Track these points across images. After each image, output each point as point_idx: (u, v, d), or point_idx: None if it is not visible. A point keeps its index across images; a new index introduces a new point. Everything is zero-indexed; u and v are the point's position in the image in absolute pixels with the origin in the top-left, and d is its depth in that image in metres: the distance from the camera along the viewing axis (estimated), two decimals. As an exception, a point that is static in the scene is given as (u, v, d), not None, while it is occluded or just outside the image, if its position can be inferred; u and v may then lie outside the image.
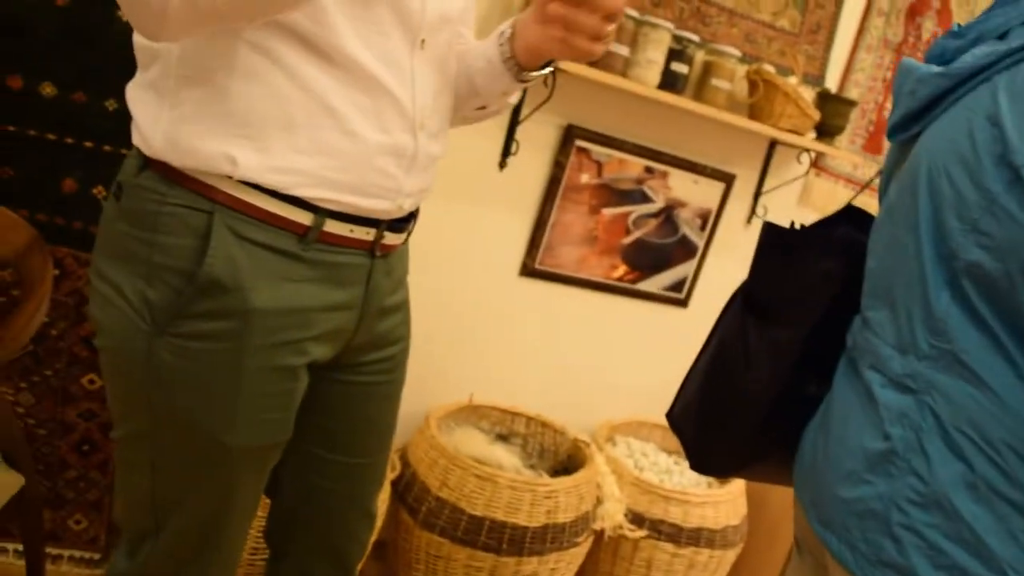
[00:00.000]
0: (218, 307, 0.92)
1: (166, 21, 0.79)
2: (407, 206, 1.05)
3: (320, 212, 0.95)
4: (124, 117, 1.56)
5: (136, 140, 0.96)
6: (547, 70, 1.10)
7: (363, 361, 1.14)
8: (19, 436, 1.48)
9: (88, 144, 1.61)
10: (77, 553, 1.86)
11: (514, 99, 1.20)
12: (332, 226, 0.97)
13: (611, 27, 0.95)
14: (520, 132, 2.03)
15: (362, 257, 1.03)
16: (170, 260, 0.91)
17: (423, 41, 0.98)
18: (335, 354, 1.07)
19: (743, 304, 1.09)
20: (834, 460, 0.87)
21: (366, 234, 1.01)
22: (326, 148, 0.92)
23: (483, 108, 1.17)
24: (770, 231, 1.10)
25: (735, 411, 1.03)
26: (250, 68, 0.89)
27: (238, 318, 0.93)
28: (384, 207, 1.00)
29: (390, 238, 1.06)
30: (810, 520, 0.90)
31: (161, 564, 1.05)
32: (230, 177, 0.90)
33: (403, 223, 1.08)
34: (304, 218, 0.94)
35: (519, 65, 1.08)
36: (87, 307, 1.05)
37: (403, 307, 1.19)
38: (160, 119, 0.92)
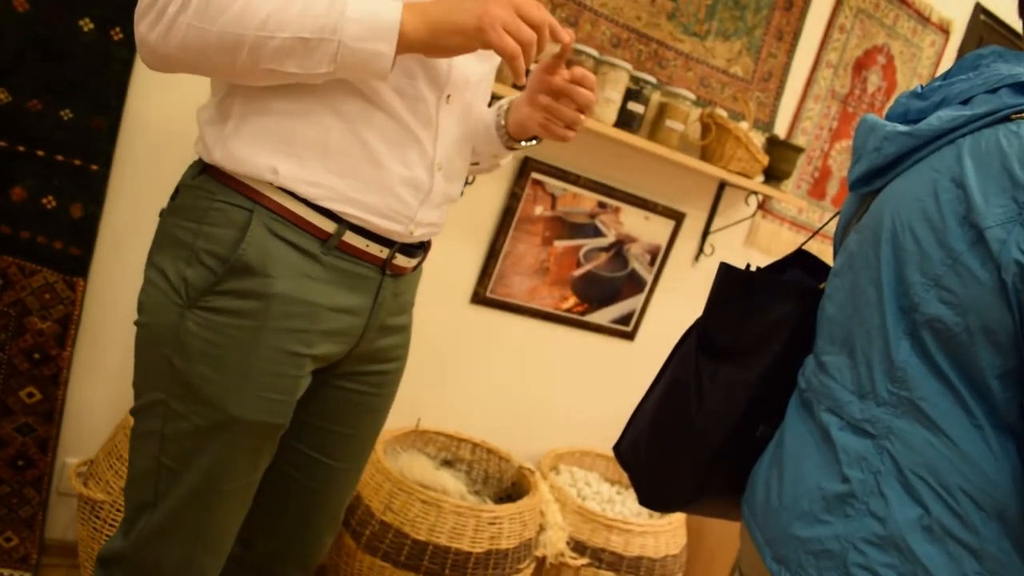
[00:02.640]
0: (245, 287, 1.05)
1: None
2: (418, 234, 1.17)
3: (342, 223, 1.08)
4: (79, 128, 1.58)
5: (198, 150, 1.11)
6: (532, 143, 1.30)
7: (361, 371, 1.25)
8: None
9: (40, 153, 1.59)
10: (6, 572, 1.80)
11: (503, 162, 1.38)
12: (351, 237, 1.10)
13: (584, 118, 1.18)
14: (478, 162, 2.06)
15: (374, 271, 1.15)
16: (211, 245, 1.05)
17: (448, 96, 1.13)
18: (338, 357, 1.18)
19: (697, 343, 1.13)
20: (789, 499, 0.90)
21: (379, 251, 1.14)
22: (354, 172, 1.07)
23: (476, 164, 1.35)
24: (727, 272, 1.14)
25: (685, 448, 1.06)
26: (303, 101, 1.04)
27: (261, 299, 1.05)
28: (397, 229, 1.13)
29: (401, 260, 1.18)
30: (763, 557, 0.92)
31: (153, 543, 1.12)
32: (271, 184, 1.05)
33: (414, 249, 1.20)
34: (328, 226, 1.08)
35: (509, 135, 1.28)
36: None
37: (405, 330, 1.34)
38: (223, 135, 1.07)
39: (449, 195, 1.21)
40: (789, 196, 2.41)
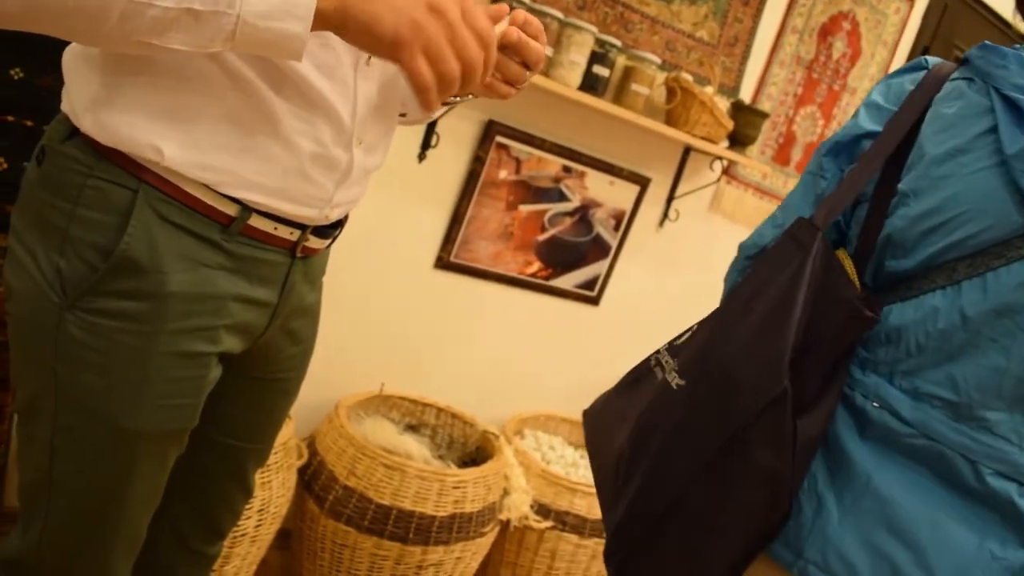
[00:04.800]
0: (132, 287, 0.91)
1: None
2: (333, 215, 1.05)
3: (246, 206, 0.95)
4: (29, 87, 1.52)
5: (65, 107, 0.94)
6: (467, 98, 1.11)
7: (268, 357, 1.14)
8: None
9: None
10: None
11: (438, 114, 1.24)
12: (257, 221, 0.96)
13: (530, 76, 0.99)
14: (440, 125, 2.04)
15: (283, 256, 1.03)
16: (88, 234, 0.90)
17: (369, 59, 0.98)
18: (244, 347, 1.06)
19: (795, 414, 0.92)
20: (944, 568, 0.82)
21: (290, 234, 1.01)
22: (257, 151, 0.92)
23: (403, 116, 1.19)
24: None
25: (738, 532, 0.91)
26: (190, 64, 0.87)
27: (152, 300, 0.91)
28: (309, 214, 1.01)
29: (314, 242, 1.06)
30: None
31: (55, 544, 1.02)
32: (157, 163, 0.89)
33: (329, 229, 1.09)
34: (230, 209, 0.94)
35: None
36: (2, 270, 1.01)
37: (314, 309, 1.20)
38: (92, 97, 0.90)
39: (370, 167, 1.08)
40: (754, 162, 2.42)
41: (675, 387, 0.96)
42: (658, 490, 0.94)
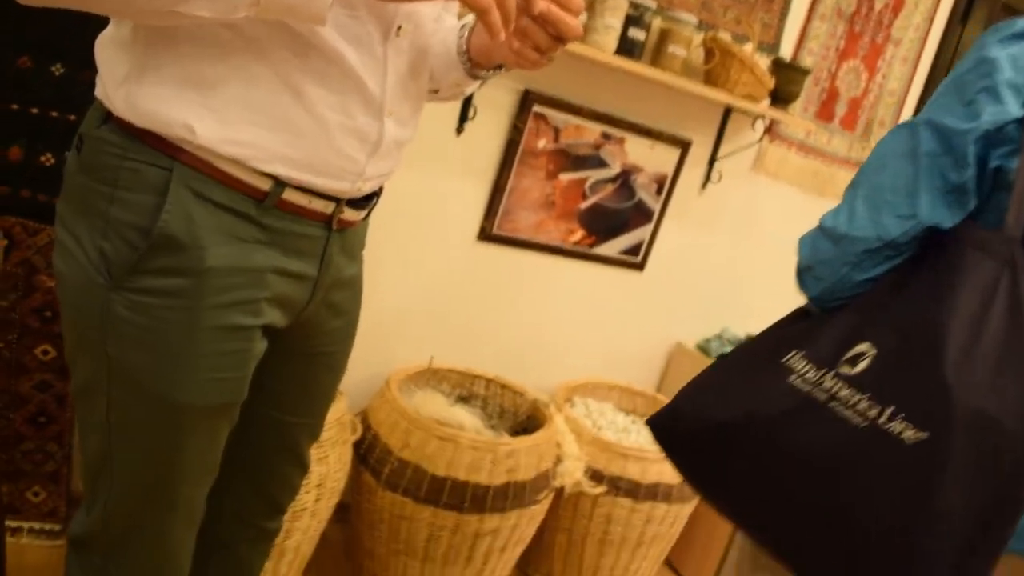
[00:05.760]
0: (173, 264, 0.92)
1: None
2: (367, 188, 1.06)
3: (280, 181, 0.96)
4: (70, 83, 1.56)
5: (99, 92, 0.95)
6: (499, 71, 1.12)
7: (315, 335, 1.16)
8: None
9: (34, 110, 1.58)
10: (36, 525, 1.86)
11: (469, 90, 1.21)
12: (291, 195, 0.97)
13: (561, 47, 0.97)
14: (477, 97, 2.04)
15: (319, 229, 1.04)
16: (127, 215, 0.92)
17: (399, 28, 0.98)
18: (288, 322, 1.08)
19: None
20: None
21: (324, 207, 1.02)
22: (287, 125, 0.93)
23: (436, 92, 1.18)
24: None
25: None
26: (217, 39, 0.88)
27: (193, 276, 0.93)
28: (342, 187, 1.01)
29: (349, 214, 1.07)
30: None
31: (116, 519, 1.06)
32: (189, 142, 0.91)
33: (364, 201, 1.09)
34: (264, 184, 0.95)
35: (471, 61, 1.11)
36: (45, 278, 1.03)
37: (355, 281, 1.21)
38: (124, 79, 0.91)
39: (402, 140, 1.07)
40: (796, 119, 2.38)
41: (910, 441, 0.83)
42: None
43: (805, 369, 0.93)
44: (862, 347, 0.91)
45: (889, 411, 0.85)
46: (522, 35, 0.96)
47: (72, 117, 1.60)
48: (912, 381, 0.85)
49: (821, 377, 0.92)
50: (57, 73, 1.57)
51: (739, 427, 0.96)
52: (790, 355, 0.96)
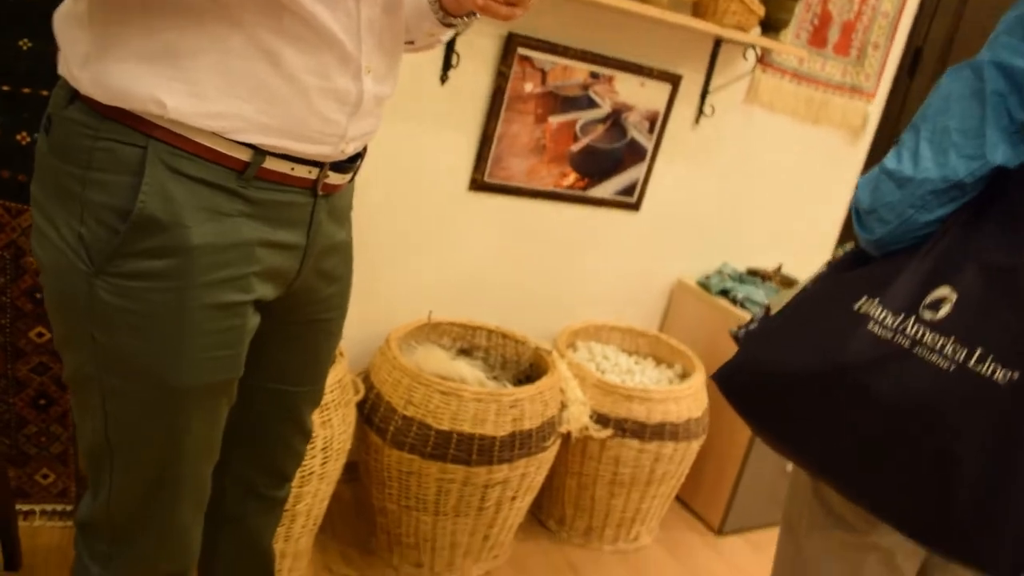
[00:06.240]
0: (156, 245, 0.90)
1: None
2: (350, 150, 1.03)
3: (259, 149, 0.93)
4: (40, 57, 1.51)
5: (62, 70, 0.92)
6: (474, 18, 1.09)
7: (307, 300, 1.14)
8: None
9: (5, 88, 1.53)
10: (48, 507, 1.87)
11: (444, 39, 1.18)
12: (272, 163, 0.94)
13: None
14: (460, 44, 1.98)
15: (304, 196, 1.01)
16: (104, 197, 0.89)
17: None
18: (279, 294, 1.06)
19: None
20: None
21: (308, 172, 0.99)
22: (263, 92, 0.89)
23: (410, 43, 1.15)
24: None
25: None
26: (187, 7, 0.85)
27: (178, 256, 0.91)
28: (324, 151, 0.98)
29: (334, 178, 1.04)
30: None
31: (124, 503, 1.05)
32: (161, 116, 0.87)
33: (349, 163, 1.07)
34: (243, 154, 0.92)
35: (443, 9, 1.08)
36: (30, 244, 1.00)
37: (346, 246, 1.19)
38: (86, 56, 0.88)
39: (382, 96, 1.04)
40: (789, 47, 2.32)
41: (1001, 380, 0.83)
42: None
43: (883, 315, 0.93)
44: (942, 291, 0.91)
45: (978, 353, 0.85)
46: None
47: (45, 92, 1.56)
48: (998, 322, 0.86)
49: (902, 323, 0.92)
50: (25, 48, 1.52)
51: (821, 376, 0.95)
52: (861, 301, 0.96)
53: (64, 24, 0.92)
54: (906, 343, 0.90)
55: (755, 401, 1.06)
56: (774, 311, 1.14)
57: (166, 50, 0.86)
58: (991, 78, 0.91)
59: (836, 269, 1.09)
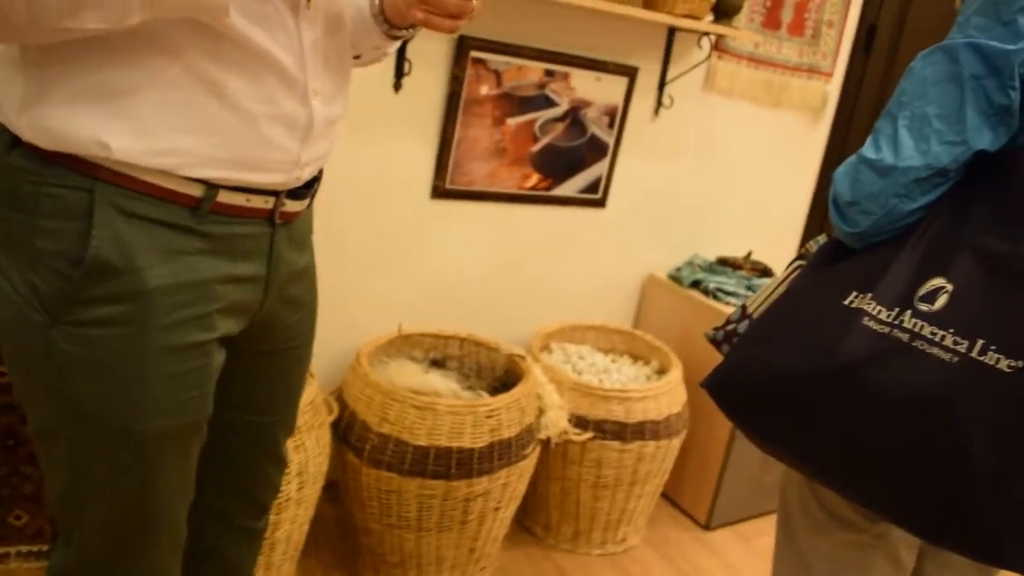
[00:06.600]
0: (112, 291, 0.87)
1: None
2: (305, 175, 1.01)
3: (211, 184, 0.90)
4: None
5: (0, 118, 0.88)
6: (417, 28, 1.07)
7: (272, 328, 1.11)
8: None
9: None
10: (24, 548, 1.82)
11: (391, 50, 1.15)
12: (226, 196, 0.92)
13: (473, 4, 0.92)
14: (411, 50, 1.94)
15: (262, 226, 0.98)
16: (54, 244, 0.86)
17: (308, 0, 0.91)
18: (244, 327, 1.03)
19: None
20: None
21: (264, 202, 0.97)
22: (209, 124, 0.87)
23: (357, 58, 1.12)
24: None
25: None
26: (123, 44, 0.82)
27: (135, 300, 0.88)
28: (279, 180, 0.96)
29: (291, 205, 1.01)
30: None
31: (97, 553, 1.02)
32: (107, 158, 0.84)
33: (305, 189, 1.04)
34: (195, 190, 0.89)
35: (388, 22, 1.05)
36: None
37: (309, 271, 1.16)
38: (24, 99, 0.84)
39: (332, 118, 1.02)
40: (743, 32, 2.30)
41: (1007, 369, 0.82)
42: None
43: (877, 310, 0.92)
44: (937, 281, 0.90)
45: (979, 344, 0.84)
46: (424, 3, 0.92)
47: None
48: (999, 312, 0.85)
49: (898, 316, 0.90)
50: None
51: (817, 376, 0.93)
52: (851, 296, 0.95)
53: None
54: (905, 337, 0.88)
55: (748, 407, 1.04)
56: (751, 311, 1.12)
57: (105, 88, 0.83)
58: (967, 61, 0.90)
59: (816, 264, 1.06)
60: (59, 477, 0.98)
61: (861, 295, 0.94)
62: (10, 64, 0.86)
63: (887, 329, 0.90)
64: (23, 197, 0.86)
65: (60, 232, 0.86)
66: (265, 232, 0.99)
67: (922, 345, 0.87)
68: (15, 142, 0.87)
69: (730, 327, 1.16)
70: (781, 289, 1.12)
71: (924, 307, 0.89)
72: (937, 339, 0.86)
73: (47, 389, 0.92)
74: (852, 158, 1.00)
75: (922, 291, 0.90)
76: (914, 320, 0.89)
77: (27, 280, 0.87)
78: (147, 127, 0.84)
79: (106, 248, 0.85)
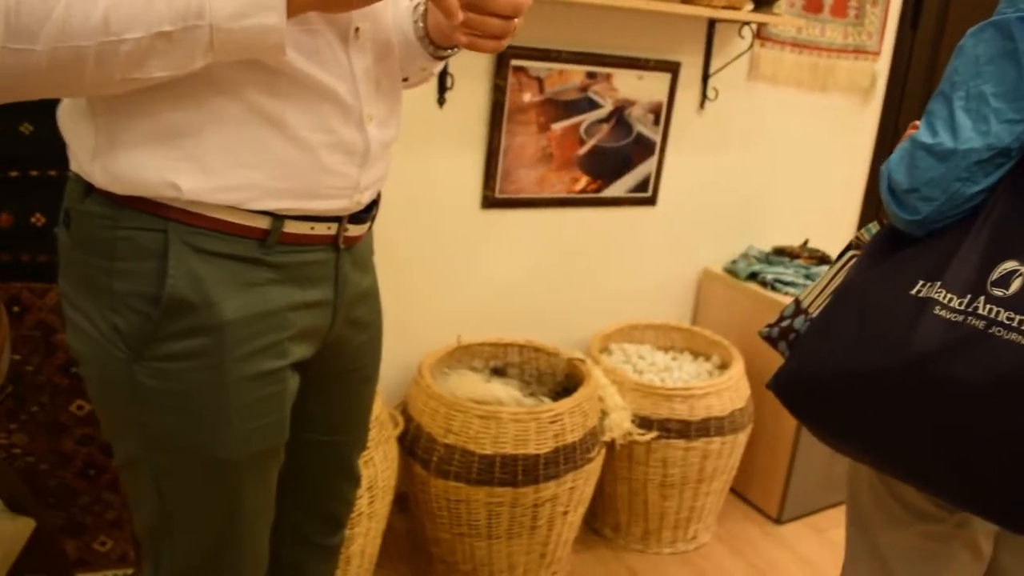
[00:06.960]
0: (190, 326, 0.91)
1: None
2: (365, 199, 1.04)
3: (277, 215, 0.93)
4: (42, 140, 1.52)
5: (73, 166, 0.93)
6: (455, 51, 1.09)
7: (341, 351, 1.15)
8: (16, 480, 1.47)
9: (13, 174, 1.55)
10: (110, 573, 1.88)
11: (437, 70, 1.18)
12: (292, 226, 0.95)
13: (515, 23, 0.92)
14: (453, 64, 1.97)
15: (327, 252, 1.02)
16: (132, 286, 0.90)
17: (357, 30, 0.95)
18: (315, 350, 1.07)
19: None
20: None
21: (328, 229, 1.00)
22: (271, 158, 0.90)
23: (405, 80, 1.14)
24: None
25: None
26: (185, 88, 0.85)
27: (212, 333, 0.92)
28: (341, 206, 0.99)
29: (354, 230, 1.05)
30: None
31: (186, 573, 1.06)
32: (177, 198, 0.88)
33: (365, 212, 1.07)
34: (261, 222, 0.93)
35: (433, 44, 1.07)
36: (64, 335, 1.03)
37: (372, 291, 1.20)
38: (95, 148, 0.89)
39: (387, 141, 1.05)
40: (784, 17, 2.28)
41: None
42: None
43: (948, 298, 0.90)
44: (1008, 265, 0.88)
45: None
46: (467, 27, 0.92)
47: (53, 172, 1.58)
48: None
49: (971, 303, 0.88)
50: (27, 132, 1.54)
51: (890, 371, 0.92)
52: (919, 286, 0.93)
53: (68, 120, 0.93)
54: (981, 324, 0.86)
55: (815, 406, 1.02)
56: (806, 305, 1.10)
57: (170, 131, 0.87)
58: (1023, 36, 0.87)
59: (873, 254, 1.04)
60: (146, 505, 1.02)
61: (929, 284, 0.92)
62: (80, 115, 0.91)
63: (961, 317, 0.88)
64: (99, 242, 0.91)
65: (137, 273, 0.90)
66: (330, 258, 1.03)
67: (999, 331, 0.85)
68: (89, 189, 0.91)
69: (784, 323, 1.15)
70: (837, 281, 1.10)
71: (999, 292, 0.87)
72: (1015, 324, 0.84)
73: (132, 422, 0.96)
74: (905, 144, 0.97)
75: (994, 276, 0.88)
76: (989, 306, 0.87)
77: (109, 321, 0.91)
78: (212, 165, 0.88)
79: (182, 285, 0.89)
